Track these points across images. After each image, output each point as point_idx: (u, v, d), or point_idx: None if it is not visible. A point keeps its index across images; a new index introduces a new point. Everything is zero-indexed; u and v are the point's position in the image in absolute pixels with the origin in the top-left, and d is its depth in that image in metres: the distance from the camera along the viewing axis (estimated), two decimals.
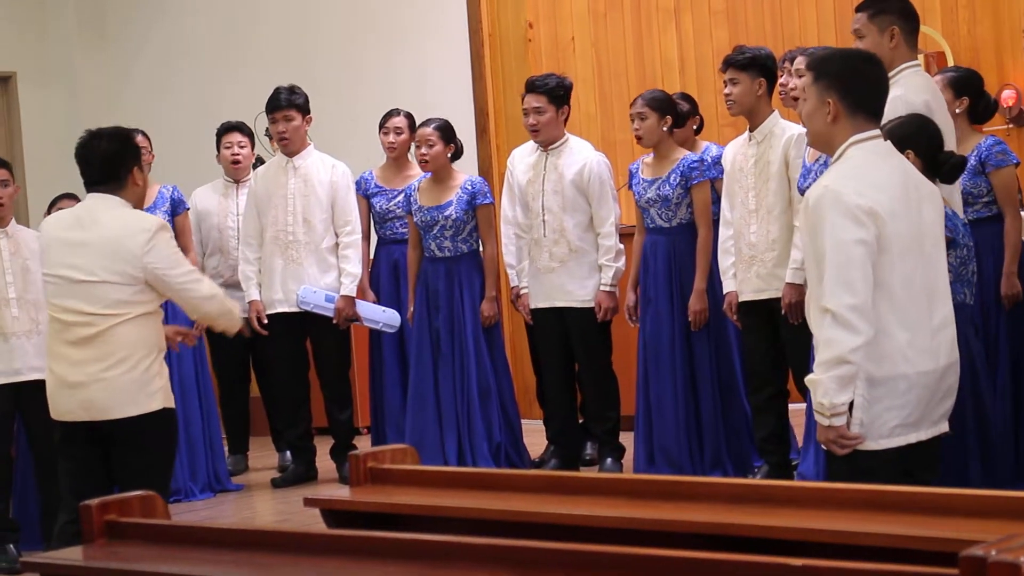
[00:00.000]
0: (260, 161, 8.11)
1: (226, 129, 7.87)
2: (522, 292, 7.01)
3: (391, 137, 7.46)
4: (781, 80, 6.14)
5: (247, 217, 7.40)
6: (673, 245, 6.53)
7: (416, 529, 3.29)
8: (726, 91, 6.15)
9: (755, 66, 6.09)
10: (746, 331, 6.21)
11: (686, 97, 7.16)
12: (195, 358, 7.24)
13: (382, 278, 7.41)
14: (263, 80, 8.57)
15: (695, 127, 7.10)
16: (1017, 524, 2.73)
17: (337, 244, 7.25)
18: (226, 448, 7.72)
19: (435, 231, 7.02)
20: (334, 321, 7.18)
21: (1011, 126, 7.68)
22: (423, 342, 7.01)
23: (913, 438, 3.82)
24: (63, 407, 4.82)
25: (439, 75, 9.16)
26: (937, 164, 4.38)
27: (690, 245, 6.49)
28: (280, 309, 7.23)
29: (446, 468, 6.06)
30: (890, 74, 4.58)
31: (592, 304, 6.74)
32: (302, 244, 7.20)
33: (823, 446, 3.83)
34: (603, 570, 2.60)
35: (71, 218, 4.93)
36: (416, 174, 7.32)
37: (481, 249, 7.10)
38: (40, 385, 5.70)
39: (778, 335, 6.04)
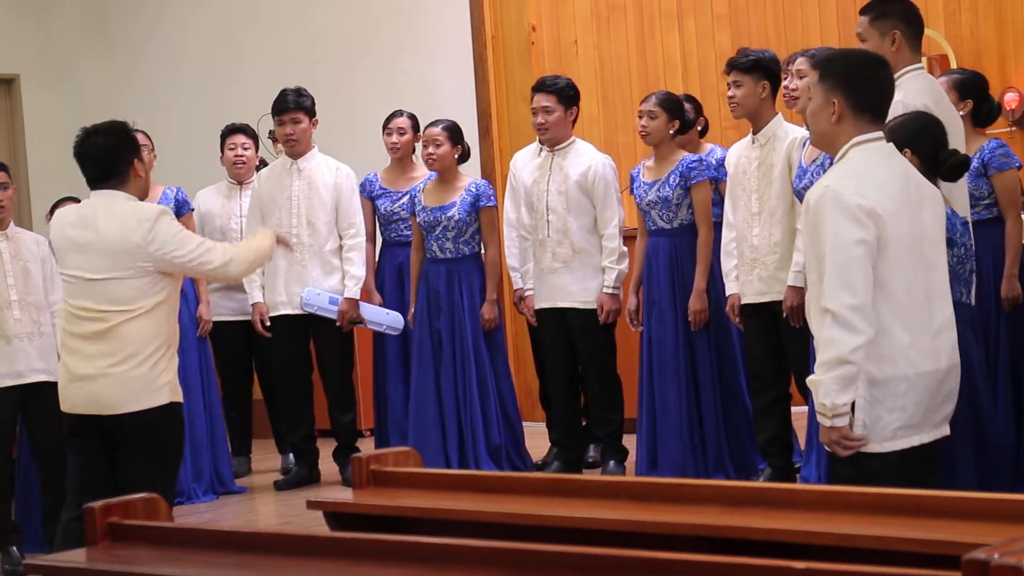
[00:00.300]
0: (263, 163, 8.11)
1: (230, 131, 7.88)
2: (527, 294, 7.02)
3: (394, 137, 7.46)
4: (785, 83, 6.14)
5: (251, 219, 7.41)
6: (675, 246, 6.53)
7: (419, 532, 3.29)
8: (729, 94, 6.15)
9: (759, 69, 6.09)
10: (748, 334, 6.21)
11: (690, 99, 7.17)
12: (200, 360, 7.25)
13: (386, 280, 7.41)
14: (266, 83, 8.59)
15: (699, 129, 7.09)
16: (1020, 527, 2.73)
17: (341, 247, 7.25)
18: (229, 450, 7.71)
19: (437, 232, 7.02)
20: (337, 323, 7.18)
21: (1014, 128, 7.68)
22: (424, 344, 7.01)
23: (916, 441, 3.82)
24: (72, 400, 4.83)
25: (442, 78, 9.17)
26: (938, 162, 4.37)
27: (692, 246, 6.51)
28: (283, 311, 7.24)
29: (449, 471, 6.07)
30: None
31: (595, 306, 6.74)
32: (306, 246, 7.21)
33: (826, 447, 3.83)
34: (606, 573, 2.60)
35: (76, 217, 4.94)
36: (421, 176, 7.32)
37: (483, 252, 7.10)
38: (43, 387, 5.72)
39: (780, 338, 6.04)
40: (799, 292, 5.75)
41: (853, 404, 3.76)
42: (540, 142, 7.10)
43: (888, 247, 3.76)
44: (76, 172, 5.02)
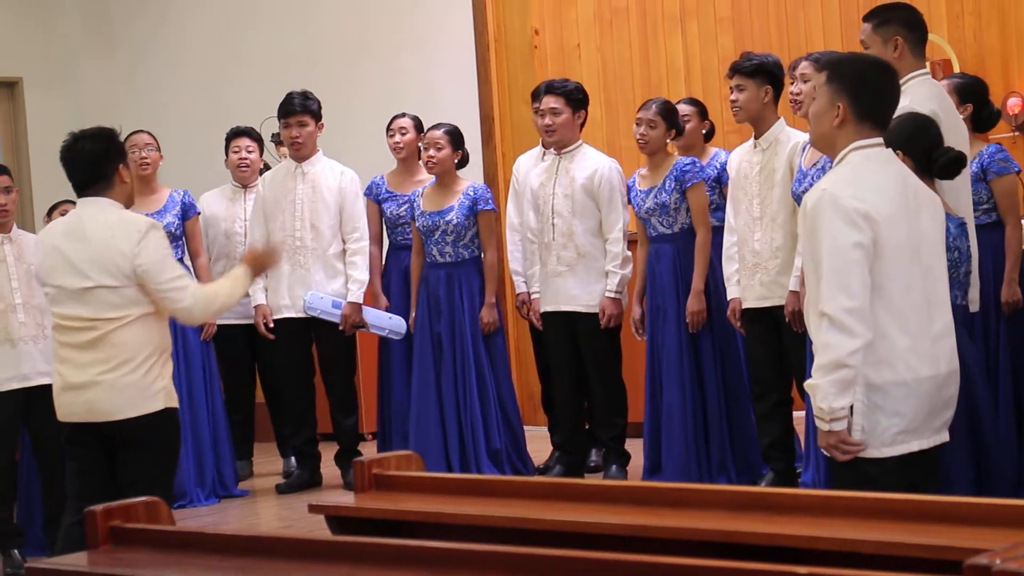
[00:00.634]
0: (267, 167, 8.12)
1: (235, 134, 7.88)
2: (532, 297, 7.03)
3: (396, 137, 7.46)
4: (790, 88, 6.13)
5: (254, 222, 7.41)
6: (678, 251, 6.53)
7: (421, 536, 3.29)
8: (732, 98, 6.15)
9: (762, 73, 6.09)
10: (750, 338, 6.21)
11: (695, 102, 7.16)
12: (203, 364, 7.25)
13: (392, 283, 7.41)
14: (268, 86, 8.60)
15: (704, 132, 7.09)
16: (1022, 533, 2.72)
17: (344, 251, 7.25)
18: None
19: (436, 236, 7.03)
20: (340, 327, 7.18)
21: (1017, 133, 7.68)
22: (424, 348, 7.02)
23: (915, 446, 3.81)
24: (67, 408, 4.84)
25: (444, 81, 9.17)
26: (931, 161, 4.36)
27: (694, 249, 6.51)
28: (286, 314, 7.24)
29: (451, 475, 6.05)
30: None
31: (598, 310, 6.75)
32: (309, 250, 7.21)
33: (824, 452, 3.82)
34: None
35: (63, 228, 4.95)
36: (427, 179, 7.31)
37: (482, 255, 7.10)
38: (47, 390, 5.72)
39: (782, 343, 6.04)
40: (801, 297, 5.75)
41: (852, 408, 3.75)
42: (545, 145, 7.10)
43: (885, 251, 3.75)
44: None
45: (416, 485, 3.63)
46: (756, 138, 6.15)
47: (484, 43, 9.09)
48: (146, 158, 7.25)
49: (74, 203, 6.47)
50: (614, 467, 6.83)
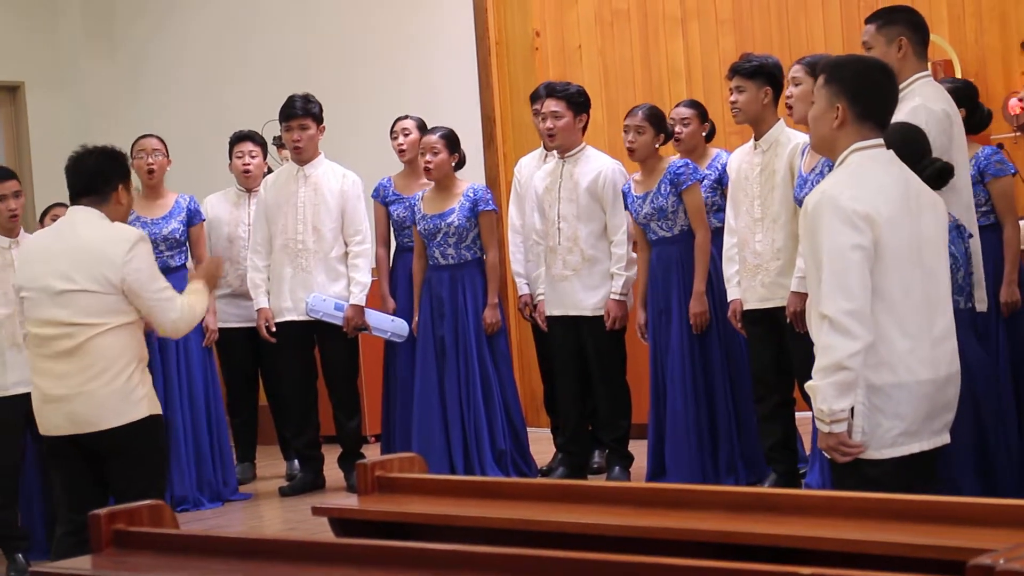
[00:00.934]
0: (270, 171, 8.12)
1: (238, 138, 7.89)
2: (538, 299, 7.03)
3: (399, 139, 7.46)
4: (786, 92, 6.13)
5: (256, 225, 7.42)
6: (680, 253, 6.53)
7: (424, 538, 3.29)
8: (732, 99, 6.15)
9: (761, 74, 6.09)
10: (751, 340, 6.21)
11: (695, 104, 7.16)
12: (204, 367, 7.25)
13: (399, 285, 7.40)
14: (270, 89, 8.60)
15: (705, 134, 7.09)
16: None
17: (346, 253, 7.26)
18: (234, 457, 7.72)
19: (438, 239, 7.03)
20: (343, 330, 7.19)
21: (1018, 134, 7.68)
22: (427, 350, 7.02)
23: (916, 448, 3.80)
24: (49, 422, 4.85)
25: (446, 83, 9.18)
26: (918, 171, 4.37)
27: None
28: (289, 317, 7.24)
29: (454, 477, 6.07)
30: (901, 84, 4.58)
31: (603, 313, 6.75)
32: (311, 253, 7.21)
33: (825, 453, 3.82)
34: None
35: (51, 232, 5.00)
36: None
37: (484, 256, 7.10)
38: None
39: (783, 344, 6.04)
40: (802, 298, 5.74)
41: (852, 410, 3.75)
42: (547, 148, 7.11)
43: (885, 253, 3.75)
44: None
45: (419, 487, 3.64)
46: (756, 139, 6.15)
47: (485, 45, 9.10)
48: (152, 164, 7.27)
49: (66, 205, 6.55)
50: (617, 469, 6.84)
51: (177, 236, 7.25)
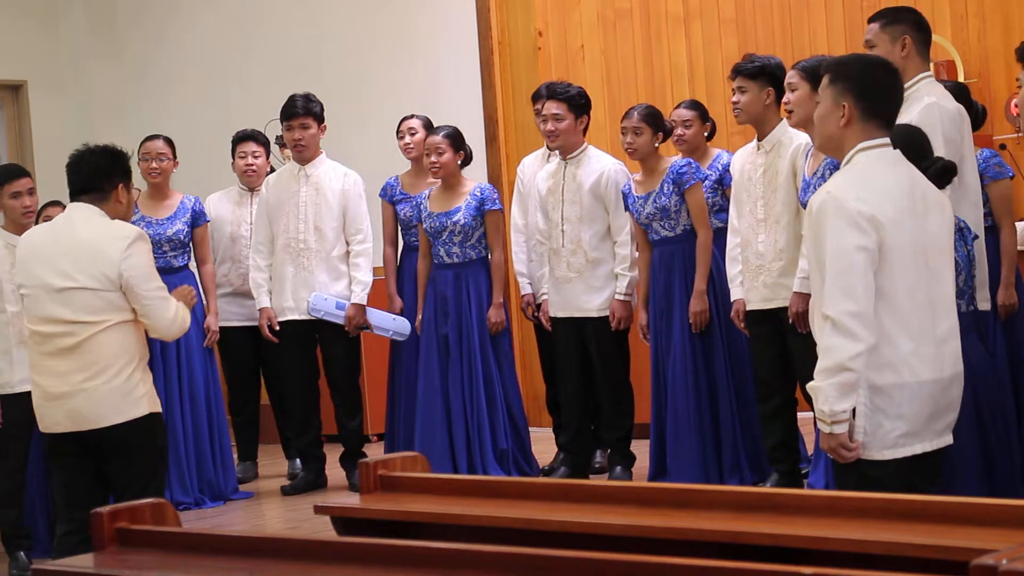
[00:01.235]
0: (272, 170, 8.12)
1: (241, 138, 7.89)
2: (541, 300, 7.03)
3: (406, 139, 7.46)
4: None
5: (258, 224, 7.42)
6: (683, 253, 6.53)
7: (426, 537, 3.29)
8: (734, 99, 6.15)
9: (764, 75, 6.09)
10: (754, 340, 6.21)
11: (695, 104, 7.15)
12: (205, 367, 7.25)
13: (406, 284, 7.40)
14: (273, 88, 8.60)
15: (706, 134, 7.09)
16: None
17: (348, 252, 7.26)
18: (235, 456, 7.72)
19: (444, 237, 7.03)
20: (345, 329, 7.19)
21: (1021, 135, 7.68)
22: (431, 348, 7.02)
23: (918, 449, 3.80)
24: (50, 419, 4.86)
25: (449, 83, 9.18)
26: (920, 171, 4.37)
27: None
28: (290, 316, 7.25)
29: (456, 476, 6.06)
30: (906, 84, 4.59)
31: (608, 314, 6.75)
32: (313, 252, 7.21)
33: (828, 454, 3.82)
34: None
35: (49, 229, 4.99)
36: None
37: (489, 255, 7.10)
38: None
39: (786, 344, 6.03)
40: (805, 298, 5.74)
41: (855, 411, 3.75)
42: (549, 148, 7.11)
43: (890, 254, 3.74)
44: None
45: (422, 486, 3.64)
46: (759, 140, 6.14)
47: (488, 45, 9.10)
48: (156, 168, 7.27)
49: (59, 204, 6.59)
50: (619, 468, 6.84)
51: (181, 237, 7.26)
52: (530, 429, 7.30)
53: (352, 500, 3.86)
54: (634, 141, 6.55)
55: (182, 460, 7.02)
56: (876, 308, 3.72)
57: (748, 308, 6.15)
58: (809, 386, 3.80)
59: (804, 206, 5.64)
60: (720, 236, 6.48)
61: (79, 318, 4.76)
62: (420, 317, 7.12)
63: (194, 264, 7.42)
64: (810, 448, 6.39)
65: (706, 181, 6.64)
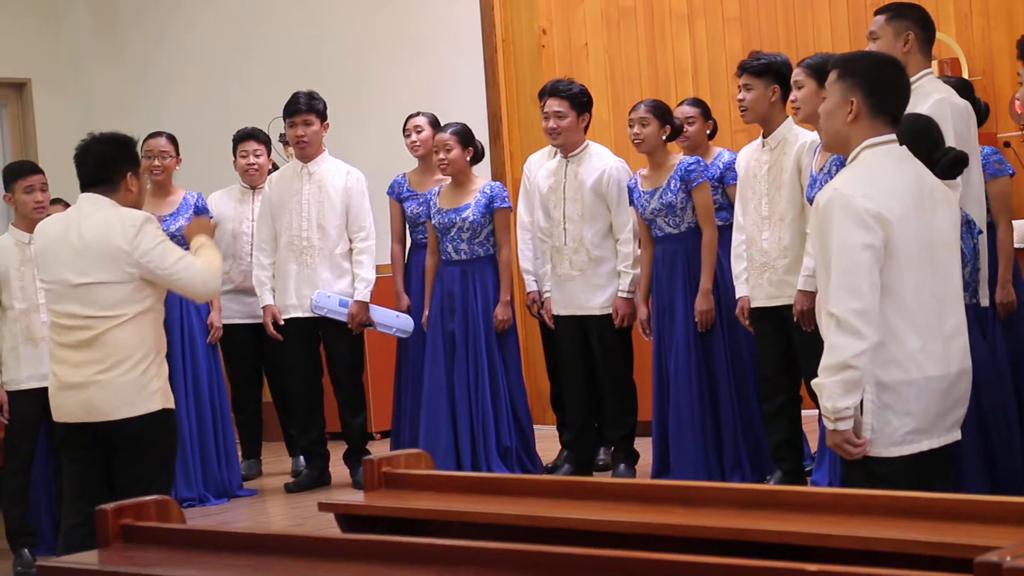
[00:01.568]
0: (275, 167, 8.12)
1: (242, 137, 7.89)
2: (545, 297, 7.03)
3: (412, 136, 7.46)
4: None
5: (261, 222, 7.42)
6: (686, 251, 6.53)
7: (431, 534, 3.29)
8: (739, 97, 6.15)
9: (770, 73, 6.08)
10: (759, 337, 6.21)
11: (698, 102, 7.16)
12: (209, 364, 7.26)
13: (413, 282, 7.40)
14: (276, 86, 8.60)
15: (708, 132, 7.09)
16: None
17: (351, 250, 7.26)
18: (239, 453, 7.72)
19: (452, 233, 7.04)
20: (348, 326, 7.19)
21: None
22: (437, 345, 7.02)
23: (926, 445, 3.80)
24: (64, 408, 4.85)
25: (453, 81, 9.18)
26: (932, 162, 4.37)
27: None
28: (294, 314, 7.25)
29: (460, 473, 6.06)
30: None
31: (611, 310, 6.75)
32: (316, 250, 7.22)
33: (834, 450, 3.82)
34: (617, 575, 2.60)
35: (62, 223, 4.96)
36: (447, 176, 7.29)
37: (497, 253, 7.10)
38: None
39: (791, 341, 6.03)
40: (809, 296, 5.75)
41: (862, 407, 3.74)
42: (553, 145, 7.11)
43: (897, 251, 3.74)
44: None
45: (426, 483, 3.64)
46: (764, 137, 6.14)
47: (492, 43, 9.10)
48: (159, 166, 7.28)
49: (62, 201, 6.61)
50: (622, 466, 6.84)
51: (184, 233, 7.26)
52: (534, 427, 7.30)
53: (356, 497, 3.87)
54: (640, 132, 6.55)
55: (187, 457, 7.02)
56: (883, 305, 3.72)
57: (753, 305, 6.15)
58: (813, 383, 3.80)
59: (811, 202, 5.64)
60: (720, 234, 6.48)
61: (96, 313, 4.75)
62: (427, 313, 7.12)
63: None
64: (813, 446, 6.39)
65: None
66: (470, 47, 9.13)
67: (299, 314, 7.24)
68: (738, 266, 6.23)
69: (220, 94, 10.05)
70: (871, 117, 3.85)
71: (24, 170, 6.27)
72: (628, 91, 8.77)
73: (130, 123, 8.20)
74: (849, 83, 3.86)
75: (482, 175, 7.89)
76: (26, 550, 6.13)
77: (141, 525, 3.26)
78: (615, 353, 6.84)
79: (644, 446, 6.84)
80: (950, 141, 4.66)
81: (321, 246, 7.22)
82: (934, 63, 7.38)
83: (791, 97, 5.91)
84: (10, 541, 6.21)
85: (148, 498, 3.36)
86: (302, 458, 7.62)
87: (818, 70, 5.48)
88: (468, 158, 7.08)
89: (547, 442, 7.49)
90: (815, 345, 5.59)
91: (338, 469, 7.44)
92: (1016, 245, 5.99)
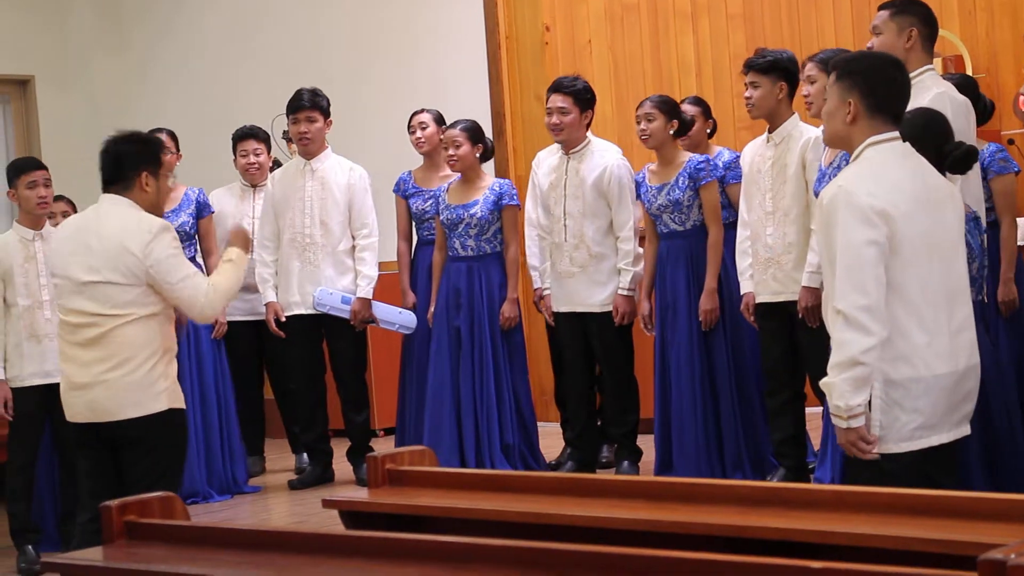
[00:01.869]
0: (277, 164, 8.12)
1: (241, 136, 7.89)
2: (544, 294, 7.03)
3: (417, 133, 7.45)
4: (802, 90, 6.11)
5: (264, 220, 7.42)
6: (690, 248, 6.53)
7: (434, 530, 3.30)
8: (746, 94, 6.14)
9: (776, 69, 6.08)
10: (763, 333, 6.20)
11: (699, 101, 7.15)
12: (214, 362, 7.26)
13: (419, 279, 7.40)
14: (279, 83, 8.60)
15: (708, 131, 7.09)
16: None
17: (354, 247, 7.26)
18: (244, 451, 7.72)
19: (460, 229, 7.03)
20: (350, 323, 7.20)
21: None
22: (442, 340, 7.02)
23: (935, 440, 3.81)
24: (73, 409, 4.86)
25: (456, 78, 9.17)
26: (943, 155, 4.37)
27: (706, 246, 6.50)
28: (297, 311, 7.25)
29: (464, 470, 6.07)
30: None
31: (611, 308, 6.75)
32: (319, 246, 7.22)
33: (845, 450, 3.81)
34: (620, 572, 2.60)
35: (81, 220, 4.97)
36: (453, 173, 7.29)
37: (504, 250, 7.10)
38: None
39: (795, 338, 6.03)
40: (814, 292, 5.75)
41: (870, 404, 3.75)
42: (556, 142, 7.11)
43: (902, 247, 3.75)
44: (90, 171, 5.03)
45: (429, 480, 3.64)
46: (769, 132, 6.14)
47: (495, 40, 9.09)
48: None
49: (65, 198, 6.63)
50: (626, 463, 6.84)
51: (187, 229, 7.27)
52: (538, 424, 7.29)
53: (360, 494, 3.87)
54: (647, 128, 6.55)
55: (192, 453, 7.02)
56: (889, 301, 3.73)
57: (757, 301, 6.14)
58: (823, 382, 3.79)
59: (817, 196, 5.64)
60: (725, 232, 6.48)
61: (103, 311, 4.75)
62: (432, 309, 7.12)
63: (200, 257, 7.42)
64: (816, 443, 6.38)
65: None
66: (474, 44, 9.13)
67: (302, 311, 7.24)
68: (743, 262, 6.23)
69: (224, 90, 10.05)
70: (870, 117, 3.86)
71: (27, 166, 6.28)
72: (631, 88, 8.77)
73: (134, 119, 8.20)
74: (847, 84, 3.87)
75: (487, 172, 7.89)
76: (30, 547, 6.14)
77: (145, 522, 3.27)
78: (615, 351, 6.83)
79: (647, 443, 6.84)
80: None
81: (324, 243, 7.22)
82: (937, 60, 7.40)
83: (804, 92, 5.91)
84: (14, 538, 6.21)
85: (152, 495, 3.36)
86: (305, 455, 7.62)
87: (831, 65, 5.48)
88: (477, 155, 7.08)
89: (551, 439, 7.49)
90: (819, 342, 5.60)
91: (341, 466, 7.44)
92: (1020, 243, 6.00)
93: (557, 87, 6.89)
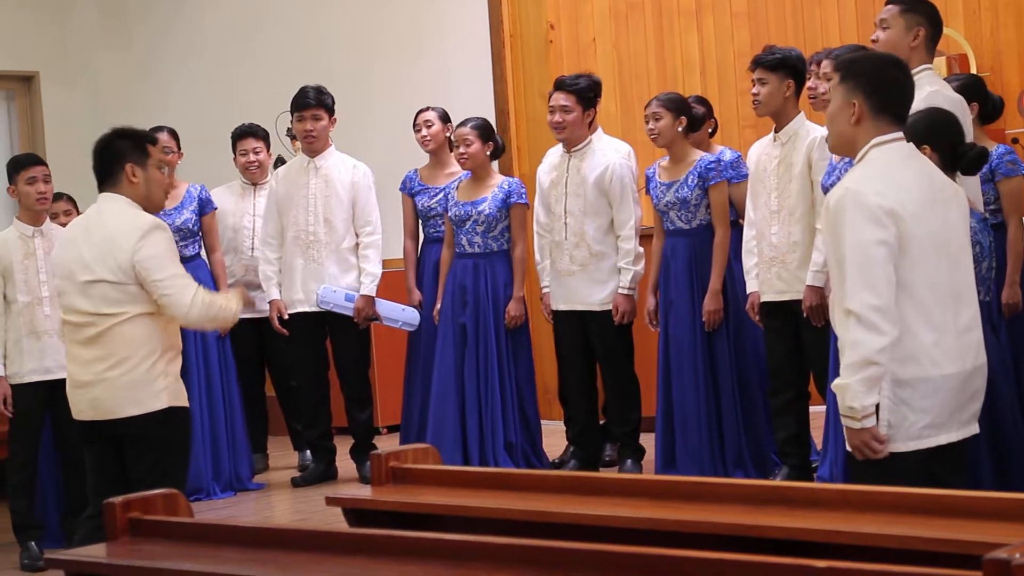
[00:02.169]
0: (281, 161, 8.11)
1: (240, 134, 7.88)
2: (544, 292, 7.03)
3: (422, 132, 7.45)
4: (810, 84, 6.10)
5: (267, 217, 7.42)
6: (694, 247, 6.52)
7: (438, 528, 3.29)
8: (753, 91, 6.12)
9: (784, 67, 6.06)
10: (767, 332, 6.20)
11: (701, 100, 7.15)
12: (220, 359, 7.26)
13: (425, 276, 7.39)
14: (283, 81, 8.60)
15: (710, 130, 7.09)
16: None
17: (358, 244, 7.26)
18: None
19: (468, 226, 7.03)
20: (354, 320, 7.19)
21: None
22: (448, 337, 7.01)
23: (943, 439, 3.80)
24: (77, 407, 4.87)
25: (460, 76, 9.17)
26: (957, 156, 4.36)
27: (711, 246, 6.49)
28: (300, 309, 7.25)
29: (467, 468, 6.07)
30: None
31: (611, 307, 6.74)
32: (323, 244, 7.22)
33: (854, 452, 3.78)
34: (624, 571, 2.60)
35: (83, 220, 4.99)
36: (459, 171, 7.29)
37: (511, 249, 7.09)
38: None
39: (800, 337, 6.02)
40: (818, 292, 5.75)
41: (878, 405, 3.74)
42: (558, 140, 7.10)
43: (910, 247, 3.75)
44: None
45: (433, 478, 3.64)
46: (776, 131, 6.13)
47: (499, 38, 9.09)
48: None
49: (64, 197, 6.63)
50: (629, 462, 6.84)
51: (190, 226, 7.27)
52: (541, 422, 7.28)
53: (363, 492, 3.87)
54: (655, 127, 6.55)
55: (196, 450, 7.02)
56: (898, 301, 3.72)
57: (762, 300, 6.14)
58: (835, 384, 3.78)
59: (826, 191, 5.63)
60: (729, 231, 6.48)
61: (99, 310, 4.75)
62: (438, 306, 7.11)
63: (204, 254, 7.43)
64: (819, 442, 6.38)
65: None
66: (478, 42, 9.12)
67: (305, 308, 7.24)
68: (749, 261, 6.22)
69: (227, 88, 10.04)
70: (874, 118, 3.85)
71: (26, 162, 6.28)
72: (636, 86, 8.77)
73: (137, 116, 8.19)
74: (851, 85, 3.87)
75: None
76: (32, 543, 6.14)
77: (148, 519, 3.27)
78: (616, 350, 6.83)
79: (651, 441, 6.84)
80: None
81: (328, 240, 7.22)
82: (942, 58, 7.39)
83: (813, 84, 5.90)
84: (16, 534, 6.21)
85: (155, 492, 3.37)
86: (308, 452, 7.62)
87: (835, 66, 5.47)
88: (488, 152, 7.07)
89: (554, 437, 7.49)
90: (824, 341, 5.61)
91: (345, 463, 7.44)
92: None
93: (559, 85, 6.88)
